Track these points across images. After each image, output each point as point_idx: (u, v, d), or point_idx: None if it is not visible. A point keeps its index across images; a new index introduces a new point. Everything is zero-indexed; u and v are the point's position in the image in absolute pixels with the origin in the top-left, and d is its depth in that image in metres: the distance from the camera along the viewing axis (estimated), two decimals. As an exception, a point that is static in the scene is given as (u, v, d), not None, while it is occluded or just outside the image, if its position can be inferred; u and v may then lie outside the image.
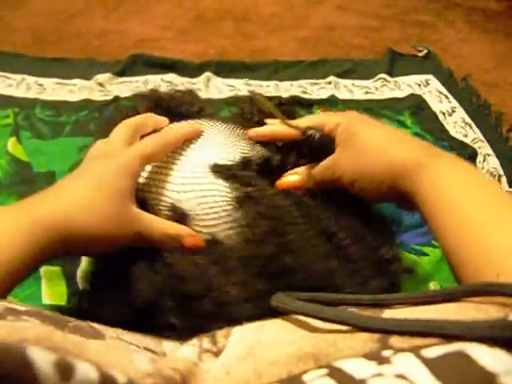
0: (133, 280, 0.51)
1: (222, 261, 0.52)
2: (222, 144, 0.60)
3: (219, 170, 0.57)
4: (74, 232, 0.47)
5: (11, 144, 0.98)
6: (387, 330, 0.26)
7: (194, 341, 0.33)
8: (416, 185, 0.50)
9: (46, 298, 0.70)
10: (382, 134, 0.56)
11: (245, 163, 0.59)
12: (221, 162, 0.58)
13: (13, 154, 0.96)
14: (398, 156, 0.53)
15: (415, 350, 0.23)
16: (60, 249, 0.47)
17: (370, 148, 0.54)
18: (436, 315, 0.26)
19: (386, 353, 0.23)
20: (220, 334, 0.33)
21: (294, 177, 0.60)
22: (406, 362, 0.22)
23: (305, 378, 0.23)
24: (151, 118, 0.61)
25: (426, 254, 0.83)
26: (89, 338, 0.29)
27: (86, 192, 0.49)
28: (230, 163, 0.58)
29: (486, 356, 0.21)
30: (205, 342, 0.32)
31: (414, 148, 0.54)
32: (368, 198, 0.58)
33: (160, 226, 0.53)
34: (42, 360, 0.19)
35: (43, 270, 0.70)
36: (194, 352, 0.31)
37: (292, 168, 0.62)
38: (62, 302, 0.70)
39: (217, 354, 0.31)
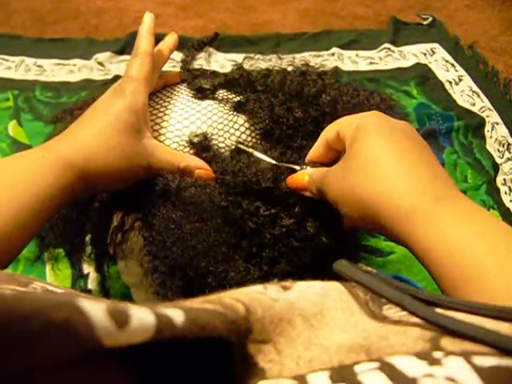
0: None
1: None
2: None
3: (206, 91, 0.59)
4: (93, 168, 0.49)
5: (12, 127, 0.97)
6: (441, 325, 0.26)
7: None
8: (409, 234, 0.40)
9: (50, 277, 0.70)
10: (391, 152, 0.42)
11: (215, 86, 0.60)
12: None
13: (14, 137, 0.95)
14: (392, 193, 0.41)
15: (466, 356, 0.22)
16: (82, 186, 0.49)
17: (366, 166, 0.43)
18: (490, 326, 0.26)
19: (437, 354, 0.23)
20: (283, 282, 0.32)
21: (302, 179, 0.52)
22: (457, 366, 0.22)
23: (356, 369, 0.23)
24: (163, 49, 0.61)
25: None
26: None
27: (101, 129, 0.50)
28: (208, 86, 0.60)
29: None
30: (269, 283, 0.31)
31: (418, 186, 0.40)
32: (351, 224, 0.50)
33: (173, 158, 0.54)
34: (94, 308, 0.19)
35: (46, 254, 0.70)
36: (258, 286, 0.30)
37: None
38: (67, 285, 0.70)
39: (284, 288, 0.30)
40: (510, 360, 0.22)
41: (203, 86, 0.58)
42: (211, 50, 1.15)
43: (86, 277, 0.70)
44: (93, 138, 0.49)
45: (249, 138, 0.57)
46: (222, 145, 0.56)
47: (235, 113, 0.58)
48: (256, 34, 1.22)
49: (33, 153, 0.48)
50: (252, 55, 0.65)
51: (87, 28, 1.27)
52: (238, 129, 0.57)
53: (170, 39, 0.61)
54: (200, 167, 0.54)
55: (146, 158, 0.52)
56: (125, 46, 1.18)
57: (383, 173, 0.42)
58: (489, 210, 0.86)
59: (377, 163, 0.42)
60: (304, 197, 0.52)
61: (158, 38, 1.19)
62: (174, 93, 0.59)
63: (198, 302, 0.25)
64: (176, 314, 0.22)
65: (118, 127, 0.50)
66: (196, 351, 0.25)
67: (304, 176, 0.51)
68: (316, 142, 0.51)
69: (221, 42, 1.18)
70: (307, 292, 0.30)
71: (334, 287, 0.32)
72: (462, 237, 0.36)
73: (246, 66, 0.64)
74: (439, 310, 0.28)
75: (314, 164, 0.52)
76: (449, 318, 0.26)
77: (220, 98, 0.58)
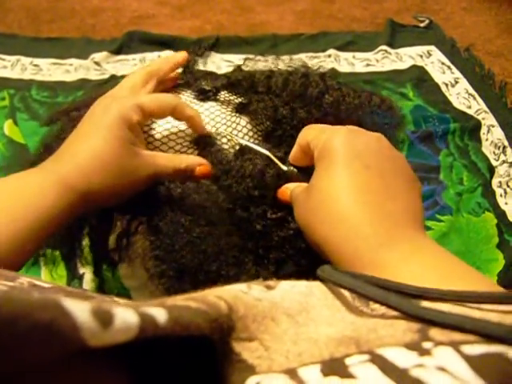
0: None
1: None
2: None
3: (208, 93, 0.58)
4: (91, 188, 0.48)
5: (7, 126, 0.97)
6: (427, 319, 0.26)
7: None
8: None
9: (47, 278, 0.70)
10: (346, 191, 0.41)
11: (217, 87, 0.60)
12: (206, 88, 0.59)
13: (9, 137, 0.95)
14: (340, 238, 0.40)
15: (455, 345, 0.23)
16: (82, 205, 0.48)
17: (322, 206, 0.42)
18: (476, 315, 0.26)
19: (427, 344, 0.23)
20: (267, 281, 0.32)
21: (287, 193, 0.52)
22: (447, 356, 0.22)
23: (347, 361, 0.23)
24: (168, 61, 0.60)
25: (430, 228, 0.82)
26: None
27: (95, 148, 0.49)
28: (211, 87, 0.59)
29: None
30: (253, 282, 0.31)
31: (363, 231, 0.40)
32: None
33: (172, 162, 0.53)
34: (78, 309, 0.19)
35: (43, 258, 0.70)
36: (242, 284, 0.30)
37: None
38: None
39: (268, 287, 0.30)
40: (498, 346, 0.22)
41: (205, 87, 0.58)
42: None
43: (81, 278, 0.70)
44: (89, 157, 0.48)
45: (252, 139, 0.57)
46: (225, 146, 0.55)
47: (238, 114, 0.57)
48: (253, 35, 1.22)
49: (33, 174, 0.48)
50: (252, 56, 0.65)
51: (84, 27, 1.27)
52: (240, 130, 0.56)
53: (179, 56, 0.61)
54: (201, 163, 0.53)
55: (146, 169, 0.51)
56: (122, 46, 1.18)
57: (335, 217, 0.41)
58: (484, 212, 0.86)
59: (331, 204, 0.42)
60: None
61: (156, 38, 1.20)
62: (176, 95, 0.59)
63: (181, 300, 0.25)
64: (159, 312, 0.22)
65: (113, 144, 0.49)
66: (185, 350, 0.25)
67: (287, 191, 0.51)
68: (294, 146, 0.51)
69: (217, 42, 1.18)
70: (291, 291, 0.31)
71: (317, 286, 0.32)
72: (408, 278, 0.35)
73: (246, 68, 0.64)
74: (426, 303, 0.28)
75: (298, 167, 0.52)
76: (435, 311, 0.26)
77: (222, 99, 0.58)
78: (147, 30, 1.22)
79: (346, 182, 0.42)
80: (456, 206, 0.87)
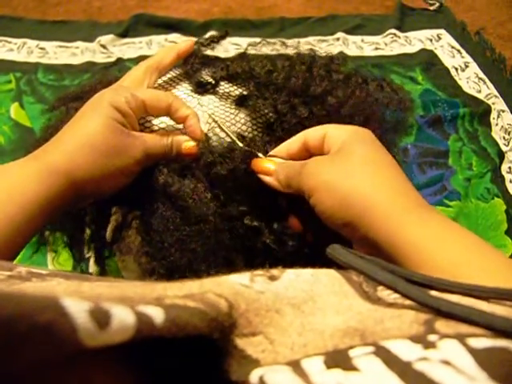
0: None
1: None
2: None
3: (206, 85, 0.57)
4: (78, 174, 0.47)
5: (14, 109, 0.97)
6: (435, 307, 0.26)
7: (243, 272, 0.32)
8: (394, 233, 0.40)
9: (51, 265, 0.70)
10: (386, 160, 0.45)
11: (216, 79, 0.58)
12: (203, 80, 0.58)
13: (16, 120, 0.95)
14: (385, 193, 0.42)
15: (460, 338, 0.23)
16: (73, 194, 0.47)
17: (360, 164, 0.44)
18: (484, 308, 0.26)
19: (432, 337, 0.23)
20: (272, 270, 0.32)
21: (269, 164, 0.51)
22: (452, 349, 0.22)
23: (351, 353, 0.23)
24: (170, 51, 0.59)
25: (438, 214, 0.81)
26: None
27: (81, 132, 0.48)
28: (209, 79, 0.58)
29: None
30: (257, 271, 0.31)
31: (408, 193, 0.43)
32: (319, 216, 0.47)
33: (160, 140, 0.52)
34: (77, 309, 0.19)
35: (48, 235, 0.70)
36: (245, 276, 0.30)
37: None
38: (68, 268, 0.69)
39: (271, 278, 0.30)
40: (504, 341, 0.22)
41: (204, 80, 0.57)
42: (215, 33, 1.14)
43: (87, 260, 0.70)
44: (76, 140, 0.48)
45: (249, 129, 0.55)
46: (222, 134, 0.54)
47: (237, 107, 0.56)
48: (260, 18, 1.21)
49: (14, 164, 0.47)
50: (255, 41, 0.64)
51: (90, 10, 1.26)
52: (238, 121, 0.55)
53: (183, 45, 0.60)
54: (187, 140, 0.52)
55: (135, 148, 0.50)
56: (128, 29, 1.17)
57: (378, 174, 0.44)
58: (493, 198, 0.85)
59: (375, 165, 0.44)
60: (289, 211, 0.51)
61: (162, 21, 1.18)
62: (174, 86, 0.58)
63: (180, 297, 0.25)
64: (156, 313, 0.22)
65: (99, 123, 0.48)
66: (188, 348, 0.25)
67: (271, 163, 0.50)
68: (292, 138, 0.50)
69: (225, 26, 1.16)
70: (296, 281, 0.30)
71: (325, 273, 0.32)
72: (450, 239, 0.39)
73: (250, 51, 0.63)
74: (434, 293, 0.28)
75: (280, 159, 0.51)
76: (442, 301, 0.26)
77: (221, 92, 0.57)
78: (154, 12, 1.22)
79: (386, 157, 0.46)
80: (464, 191, 0.86)
